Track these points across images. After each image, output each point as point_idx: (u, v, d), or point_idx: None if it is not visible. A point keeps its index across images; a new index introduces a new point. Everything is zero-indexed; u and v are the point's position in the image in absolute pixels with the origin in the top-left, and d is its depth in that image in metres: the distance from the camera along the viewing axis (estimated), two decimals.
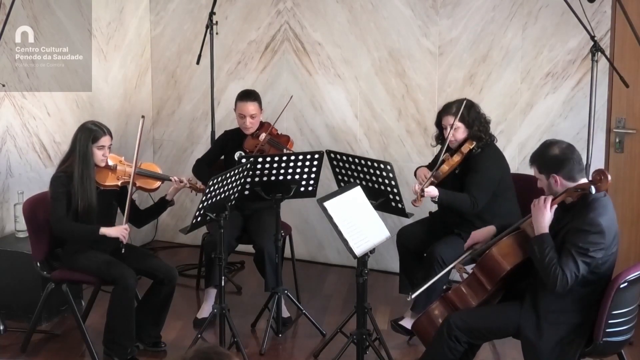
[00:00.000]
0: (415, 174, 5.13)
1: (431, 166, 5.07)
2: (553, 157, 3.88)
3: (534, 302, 3.90)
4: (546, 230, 3.83)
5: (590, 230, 3.74)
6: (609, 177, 3.79)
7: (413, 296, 4.35)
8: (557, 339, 3.83)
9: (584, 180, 3.87)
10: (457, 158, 4.89)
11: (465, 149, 4.89)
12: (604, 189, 3.81)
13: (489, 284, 3.99)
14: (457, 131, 4.87)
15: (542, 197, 3.88)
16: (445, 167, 4.87)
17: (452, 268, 4.33)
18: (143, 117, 4.79)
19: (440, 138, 5.04)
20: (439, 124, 5.01)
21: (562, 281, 3.72)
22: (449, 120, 4.89)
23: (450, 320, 3.96)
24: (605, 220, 3.77)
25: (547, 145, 3.96)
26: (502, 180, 4.92)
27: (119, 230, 4.66)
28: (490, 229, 4.22)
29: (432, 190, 4.78)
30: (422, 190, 4.74)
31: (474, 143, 4.89)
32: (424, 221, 5.21)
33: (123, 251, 4.68)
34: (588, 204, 3.80)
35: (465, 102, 4.88)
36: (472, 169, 4.88)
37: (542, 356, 3.84)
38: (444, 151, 4.91)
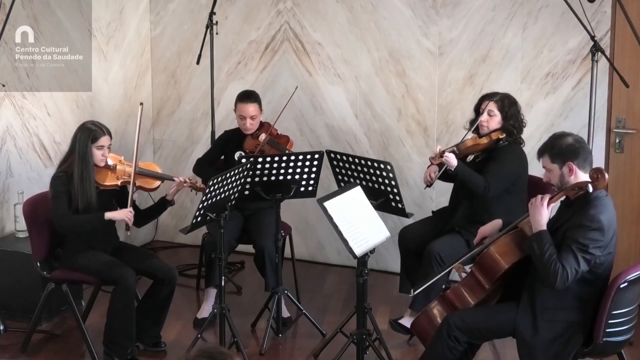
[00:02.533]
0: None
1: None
2: (568, 145, 3.88)
3: (531, 299, 3.90)
4: (544, 227, 3.83)
5: (590, 226, 3.75)
6: (606, 176, 3.80)
7: (415, 293, 4.35)
8: (553, 337, 3.83)
9: (585, 177, 3.87)
10: (484, 140, 4.92)
11: (494, 135, 4.92)
12: (601, 187, 3.82)
13: (487, 283, 3.99)
14: (492, 119, 4.91)
15: (539, 196, 3.89)
16: (469, 142, 4.91)
17: (456, 264, 4.31)
18: (142, 104, 4.80)
19: (474, 123, 5.05)
20: (477, 108, 5.03)
21: (562, 277, 3.72)
22: (488, 104, 4.93)
23: (449, 320, 3.96)
24: (605, 218, 3.78)
25: (559, 136, 3.96)
26: (519, 180, 4.94)
27: (124, 213, 4.66)
28: (496, 223, 4.21)
29: (452, 158, 4.80)
30: (443, 152, 4.76)
31: (504, 135, 4.92)
32: (426, 221, 5.21)
33: (129, 233, 4.71)
34: (589, 201, 3.81)
35: (510, 96, 4.98)
36: (494, 158, 4.91)
37: (536, 354, 3.84)
38: (472, 130, 4.95)
